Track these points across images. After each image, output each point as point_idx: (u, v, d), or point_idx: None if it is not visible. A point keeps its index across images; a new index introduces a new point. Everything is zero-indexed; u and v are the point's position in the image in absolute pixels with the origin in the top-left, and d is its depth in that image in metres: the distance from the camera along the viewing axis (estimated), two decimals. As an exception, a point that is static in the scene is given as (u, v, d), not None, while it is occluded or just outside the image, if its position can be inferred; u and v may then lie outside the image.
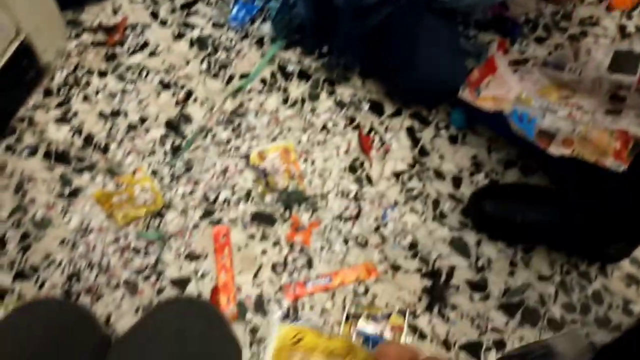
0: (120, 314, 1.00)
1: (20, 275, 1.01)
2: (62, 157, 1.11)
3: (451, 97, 1.14)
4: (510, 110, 1.06)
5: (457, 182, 1.16)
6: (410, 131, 1.20)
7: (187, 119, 1.17)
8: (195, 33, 1.28)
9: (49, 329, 0.70)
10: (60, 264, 1.03)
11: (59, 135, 1.14)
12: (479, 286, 1.07)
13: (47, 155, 1.12)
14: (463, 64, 1.18)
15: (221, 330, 0.75)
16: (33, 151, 1.12)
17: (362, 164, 1.16)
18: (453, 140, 1.20)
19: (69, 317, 0.74)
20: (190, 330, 0.71)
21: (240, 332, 0.99)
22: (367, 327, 1.01)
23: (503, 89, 1.10)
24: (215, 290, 1.02)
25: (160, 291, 1.02)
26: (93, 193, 1.08)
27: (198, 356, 0.69)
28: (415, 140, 1.19)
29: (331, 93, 1.23)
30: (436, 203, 1.13)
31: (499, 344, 1.02)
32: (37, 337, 0.68)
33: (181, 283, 1.03)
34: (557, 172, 1.16)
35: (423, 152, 1.18)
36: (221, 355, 0.72)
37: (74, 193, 1.08)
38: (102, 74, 1.21)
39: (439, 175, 1.16)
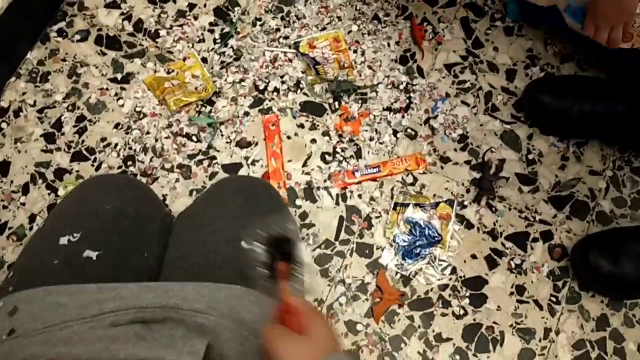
0: (175, 195, 1.03)
1: (77, 157, 1.04)
2: (113, 43, 1.12)
3: None
4: (564, 4, 1.01)
5: (511, 75, 1.13)
6: (465, 22, 1.16)
7: (236, 4, 1.15)
8: None
9: (122, 200, 0.72)
10: (115, 146, 1.05)
11: (109, 20, 1.13)
12: (528, 179, 1.06)
13: (98, 40, 1.12)
14: None
15: (280, 205, 0.77)
16: (84, 36, 1.12)
17: (413, 55, 1.14)
18: (508, 32, 1.16)
19: (137, 191, 0.77)
20: (254, 204, 0.73)
21: (290, 215, 1.01)
22: (415, 215, 1.03)
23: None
24: (265, 176, 1.04)
25: (212, 175, 1.04)
26: (145, 78, 1.09)
27: (269, 223, 0.70)
28: (469, 31, 1.15)
29: (383, -19, 1.19)
30: (488, 96, 1.11)
31: (546, 235, 1.03)
32: (113, 207, 0.70)
33: (232, 168, 1.05)
34: (616, 66, 1.11)
35: (477, 44, 1.15)
36: (286, 223, 0.74)
37: (126, 78, 1.09)
38: (149, -41, 1.18)
39: (493, 67, 1.13)
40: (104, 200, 0.71)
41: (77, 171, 1.03)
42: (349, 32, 1.14)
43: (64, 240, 0.65)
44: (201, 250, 0.68)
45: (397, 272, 1.00)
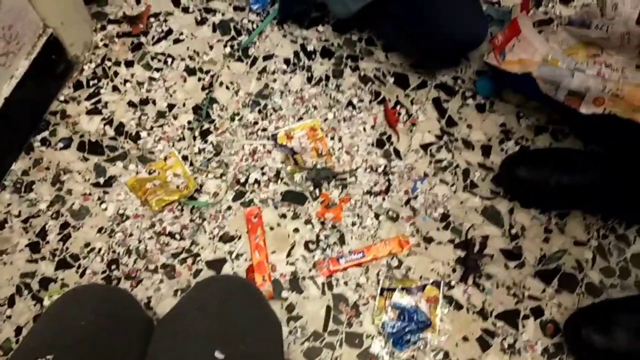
0: (160, 297, 1.02)
1: (62, 264, 1.05)
2: (95, 148, 1.14)
3: (472, 49, 1.14)
4: (537, 72, 1.04)
5: (486, 150, 1.14)
6: (437, 102, 1.19)
7: (214, 101, 1.19)
8: (217, 18, 1.28)
9: (97, 313, 0.72)
10: (99, 251, 1.06)
11: (91, 126, 1.16)
12: (513, 254, 1.06)
13: (80, 146, 1.14)
14: (481, 12, 1.14)
15: (261, 306, 0.77)
16: (67, 143, 1.14)
17: (389, 138, 1.16)
18: (480, 108, 1.18)
19: (113, 301, 0.77)
20: (232, 307, 0.73)
21: (276, 309, 1.01)
22: (403, 300, 1.02)
23: (529, 51, 1.08)
24: (250, 270, 1.04)
25: (197, 273, 1.04)
26: (127, 181, 1.11)
27: (242, 331, 0.70)
28: (442, 111, 1.18)
29: (355, 69, 1.22)
30: (466, 173, 1.12)
31: (537, 312, 1.01)
32: (87, 323, 0.70)
33: (217, 264, 1.05)
34: (590, 133, 1.13)
35: (451, 123, 1.17)
36: (263, 330, 0.74)
37: (109, 182, 1.11)
38: (129, 64, 1.22)
39: (468, 144, 1.15)
40: (78, 316, 0.71)
41: (62, 279, 1.04)
42: (325, 119, 1.17)
43: None
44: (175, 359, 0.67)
45: (388, 361, 0.98)
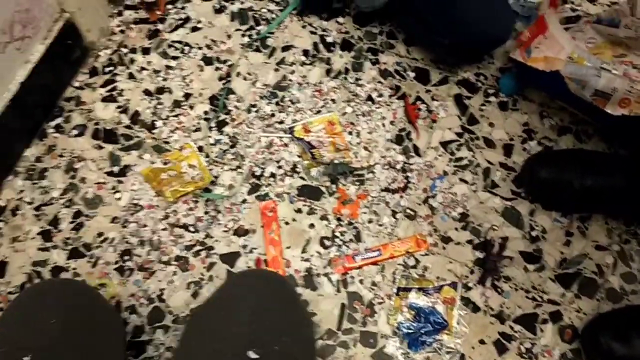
0: (173, 289, 1.01)
1: (74, 254, 1.03)
2: (110, 136, 1.12)
3: (498, 46, 1.11)
4: (564, 70, 1.01)
5: (508, 150, 1.12)
6: (458, 99, 1.16)
7: (231, 92, 1.17)
8: (236, 6, 1.26)
9: (65, 310, 0.70)
10: (112, 241, 1.04)
11: (106, 114, 1.14)
12: (533, 257, 1.04)
13: (95, 134, 1.13)
14: (508, 8, 1.11)
15: (297, 305, 0.75)
16: (81, 131, 1.13)
17: (408, 135, 1.14)
18: (503, 107, 1.16)
19: (78, 295, 0.75)
20: (268, 305, 0.71)
21: (290, 306, 0.99)
22: (419, 300, 1.00)
23: (555, 48, 1.05)
24: (258, 262, 1.02)
25: (210, 266, 1.03)
26: (141, 171, 1.09)
27: (277, 331, 0.69)
28: (463, 108, 1.16)
29: (375, 62, 1.20)
30: (487, 172, 1.10)
31: (556, 316, 0.99)
32: (58, 321, 0.68)
33: (230, 258, 1.03)
34: (615, 135, 1.11)
35: (472, 121, 1.15)
36: (298, 331, 0.72)
37: (123, 171, 1.09)
38: (146, 51, 1.20)
39: (489, 143, 1.13)
40: (46, 315, 0.69)
41: (74, 269, 1.02)
42: (344, 114, 1.15)
43: None
44: None
45: (402, 362, 0.96)
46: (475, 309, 1.00)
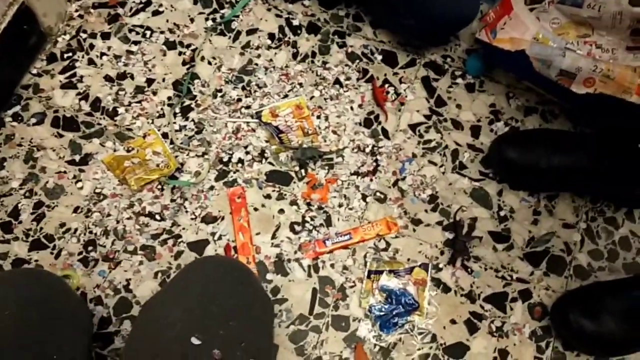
0: (140, 279, 0.98)
1: (36, 245, 1.00)
2: (70, 124, 1.09)
3: (465, 26, 1.10)
4: (529, 50, 1.01)
5: (476, 131, 1.12)
6: (426, 81, 1.16)
7: (196, 77, 1.14)
8: (199, -11, 1.23)
9: (22, 302, 0.68)
10: (75, 231, 1.01)
11: (66, 101, 1.11)
12: (502, 237, 1.04)
13: (55, 122, 1.09)
14: None
15: (248, 287, 0.74)
16: (40, 119, 1.09)
17: (377, 118, 1.13)
18: (470, 88, 1.16)
19: (40, 287, 0.73)
20: (215, 290, 0.70)
21: (261, 292, 0.98)
22: (390, 282, 1.00)
23: (520, 29, 1.05)
24: (227, 249, 1.01)
25: (178, 255, 1.00)
26: (104, 159, 1.06)
27: (224, 315, 0.68)
28: (431, 91, 1.15)
29: (342, 45, 1.19)
30: (455, 154, 1.10)
31: (525, 294, 1.00)
32: (11, 313, 0.66)
33: (198, 246, 1.01)
34: (580, 114, 1.12)
35: (440, 102, 1.14)
36: (248, 313, 0.71)
37: (85, 159, 1.06)
38: (106, 36, 1.17)
39: (457, 125, 1.12)
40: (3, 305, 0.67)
41: (36, 260, 0.99)
42: (311, 97, 1.13)
43: None
44: (150, 349, 0.64)
45: (375, 345, 0.96)
46: (446, 289, 1.00)
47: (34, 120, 1.09)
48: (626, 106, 0.94)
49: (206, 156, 1.08)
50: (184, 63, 1.15)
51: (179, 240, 1.01)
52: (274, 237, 1.03)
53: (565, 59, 0.99)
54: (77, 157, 1.06)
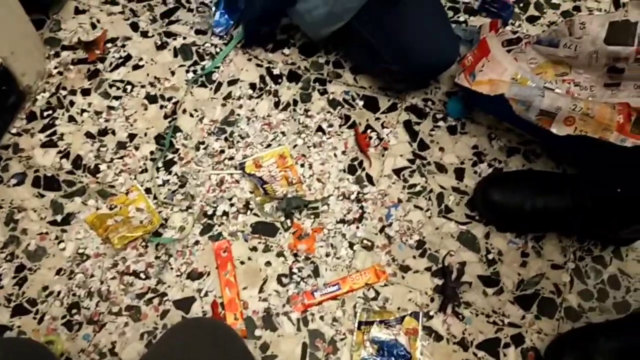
0: (125, 341, 0.96)
1: (18, 311, 0.98)
2: (51, 183, 1.08)
3: (445, 69, 1.12)
4: (508, 92, 1.02)
5: (460, 174, 1.12)
6: (408, 125, 1.16)
7: (178, 130, 1.13)
8: (179, 42, 1.23)
9: None
10: (58, 294, 0.99)
11: (46, 160, 1.10)
12: (491, 280, 1.04)
13: (35, 182, 1.08)
14: (451, 32, 1.12)
15: (230, 349, 0.72)
16: (21, 179, 1.08)
17: (361, 164, 1.13)
18: (452, 130, 1.16)
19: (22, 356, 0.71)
20: (199, 354, 0.68)
21: (250, 349, 0.95)
22: (381, 333, 0.98)
23: (498, 70, 1.06)
24: (214, 306, 0.99)
25: (164, 314, 0.99)
26: (86, 218, 1.04)
27: None
28: (413, 134, 1.16)
29: (323, 92, 1.19)
30: (440, 197, 1.10)
31: (517, 339, 0.99)
32: None
33: (185, 304, 1.00)
34: (562, 154, 1.12)
35: (422, 146, 1.15)
36: None
37: (67, 219, 1.05)
38: (86, 92, 1.16)
39: (441, 168, 1.13)
40: None
41: (19, 327, 0.97)
42: (295, 146, 1.13)
43: None
44: None
45: (368, 399, 0.94)
46: (438, 337, 0.99)
47: (14, 180, 1.07)
48: (606, 144, 0.95)
49: (190, 210, 1.07)
50: (165, 116, 1.15)
51: (165, 298, 1.00)
52: (261, 291, 1.01)
53: (545, 99, 0.99)
54: (58, 217, 1.05)
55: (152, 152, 1.11)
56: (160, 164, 1.10)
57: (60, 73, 1.18)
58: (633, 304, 1.02)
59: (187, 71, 1.20)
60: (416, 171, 1.12)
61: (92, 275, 1.01)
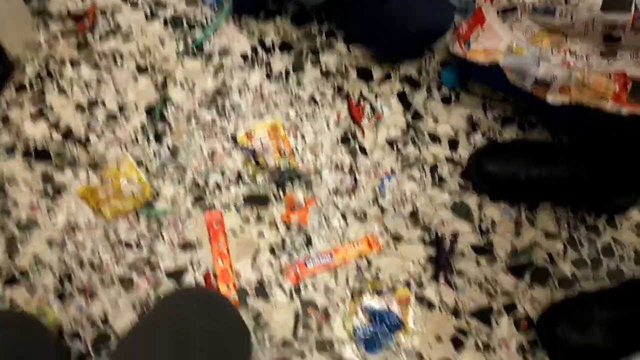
0: (117, 311, 0.96)
1: (10, 281, 0.98)
2: (41, 155, 1.07)
3: (439, 37, 1.10)
4: (503, 61, 1.01)
5: (453, 144, 1.11)
6: (402, 96, 1.15)
7: (168, 103, 1.12)
8: (169, 12, 1.21)
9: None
10: (50, 265, 0.99)
11: (37, 131, 1.09)
12: (484, 250, 1.03)
13: (26, 153, 1.07)
14: (446, 0, 1.11)
15: (222, 317, 0.72)
16: (11, 151, 1.07)
17: (354, 134, 1.12)
18: (446, 101, 1.15)
19: (14, 327, 0.71)
20: (188, 323, 0.68)
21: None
22: (373, 302, 0.98)
23: (493, 40, 1.05)
24: (207, 277, 0.99)
25: (156, 285, 0.98)
26: (77, 189, 1.04)
27: (197, 349, 0.66)
28: (407, 105, 1.14)
29: (316, 63, 1.18)
30: (434, 168, 1.09)
31: (510, 308, 0.99)
32: None
33: (177, 274, 0.99)
34: (558, 123, 1.11)
35: (416, 116, 1.13)
36: (223, 344, 0.69)
37: (58, 191, 1.04)
38: (75, 64, 1.15)
39: (435, 138, 1.12)
40: None
41: (11, 298, 0.96)
42: (287, 117, 1.12)
43: None
44: None
45: (361, 367, 0.94)
46: (430, 306, 0.99)
47: (4, 152, 1.06)
48: (601, 113, 0.94)
49: (182, 182, 1.06)
50: (156, 88, 1.14)
51: (157, 269, 0.99)
52: (254, 261, 1.01)
53: (540, 68, 0.98)
54: (50, 189, 1.04)
55: (142, 124, 1.10)
56: (151, 136, 1.09)
57: (49, 44, 1.17)
58: (627, 272, 1.02)
59: (178, 42, 1.18)
60: (410, 141, 1.11)
61: (84, 247, 1.00)
